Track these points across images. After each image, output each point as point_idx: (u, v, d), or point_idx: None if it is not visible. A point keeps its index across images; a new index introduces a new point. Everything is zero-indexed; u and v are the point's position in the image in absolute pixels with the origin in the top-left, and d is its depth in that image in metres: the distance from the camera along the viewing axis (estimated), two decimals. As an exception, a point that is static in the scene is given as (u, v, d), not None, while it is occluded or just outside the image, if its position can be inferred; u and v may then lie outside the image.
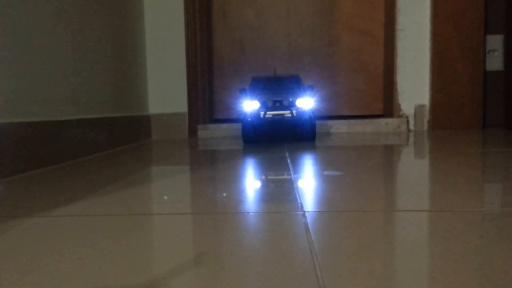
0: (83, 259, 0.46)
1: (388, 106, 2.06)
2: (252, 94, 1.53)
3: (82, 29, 1.36)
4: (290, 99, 1.49)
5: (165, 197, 0.77)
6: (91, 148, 1.38)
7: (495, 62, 1.97)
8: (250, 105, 1.50)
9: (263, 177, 0.92)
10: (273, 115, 1.49)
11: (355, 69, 2.13)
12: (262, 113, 1.48)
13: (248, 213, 0.62)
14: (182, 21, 1.93)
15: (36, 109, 1.11)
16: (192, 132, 1.96)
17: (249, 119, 1.51)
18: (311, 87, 1.56)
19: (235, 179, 0.92)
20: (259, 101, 1.49)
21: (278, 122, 1.49)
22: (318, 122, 1.83)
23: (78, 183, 0.93)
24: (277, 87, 1.55)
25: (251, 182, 0.88)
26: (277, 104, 1.49)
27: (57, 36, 1.22)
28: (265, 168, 1.03)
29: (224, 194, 0.76)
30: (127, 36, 1.76)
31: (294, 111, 1.48)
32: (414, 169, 1.03)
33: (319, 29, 2.13)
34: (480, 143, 1.48)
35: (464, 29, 1.90)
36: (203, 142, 1.77)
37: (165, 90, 1.96)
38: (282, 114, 1.48)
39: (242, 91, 1.57)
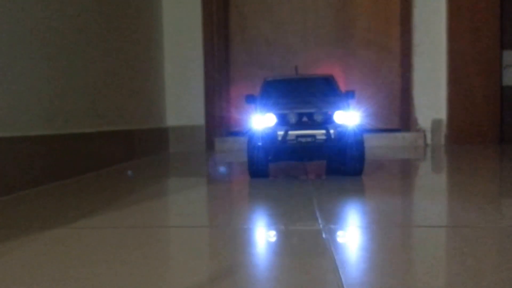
0: (110, 269, 0.48)
1: (405, 120, 2.06)
2: (264, 104, 1.04)
3: (103, 45, 1.40)
4: (325, 111, 1.00)
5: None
6: (111, 160, 1.40)
7: (511, 77, 1.96)
8: (261, 121, 1.01)
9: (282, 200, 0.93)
10: (299, 136, 0.99)
11: (372, 83, 2.14)
12: (280, 133, 0.99)
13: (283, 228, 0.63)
14: (200, 35, 1.96)
15: (58, 122, 1.13)
16: (210, 144, 1.98)
17: (260, 143, 1.02)
18: (352, 93, 1.09)
19: (249, 199, 0.94)
20: (276, 114, 1.00)
21: (306, 148, 1.00)
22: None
23: (99, 195, 0.95)
24: (302, 93, 1.09)
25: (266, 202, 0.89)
26: (305, 119, 1.00)
27: (79, 51, 1.25)
28: (286, 196, 1.04)
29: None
30: (146, 51, 1.80)
31: (332, 131, 0.99)
32: (432, 184, 1.03)
33: (336, 43, 2.14)
34: (497, 158, 1.47)
35: (480, 44, 1.90)
36: (220, 154, 1.79)
37: (183, 103, 1.99)
38: (313, 135, 0.99)
39: (250, 98, 1.12)
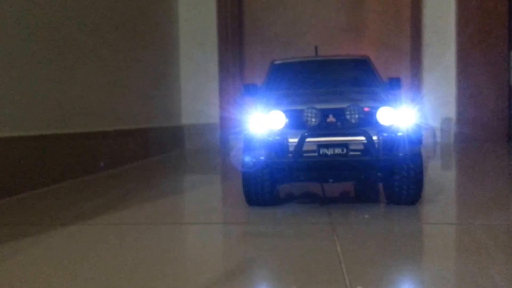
0: (124, 265, 0.51)
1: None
2: (270, 96, 0.76)
3: (120, 47, 1.45)
4: (363, 107, 0.66)
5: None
6: (128, 158, 1.44)
7: (521, 76, 1.98)
8: (263, 122, 0.68)
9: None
10: (322, 146, 0.65)
11: (382, 82, 2.16)
12: (293, 141, 0.66)
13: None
14: (215, 35, 2.01)
15: (78, 120, 1.17)
16: (224, 141, 2.02)
17: (261, 158, 0.67)
18: (398, 81, 0.77)
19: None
20: (287, 111, 0.68)
21: (334, 164, 0.66)
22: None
23: (115, 192, 0.98)
24: (326, 81, 0.77)
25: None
26: (331, 118, 0.66)
27: (97, 53, 1.30)
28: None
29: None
30: (162, 51, 1.85)
31: (375, 137, 0.65)
32: (442, 182, 1.05)
33: (347, 43, 2.17)
34: (506, 156, 1.49)
35: (489, 45, 1.92)
36: (235, 151, 1.81)
37: (198, 101, 2.03)
38: (345, 144, 0.65)
39: (250, 89, 0.85)
